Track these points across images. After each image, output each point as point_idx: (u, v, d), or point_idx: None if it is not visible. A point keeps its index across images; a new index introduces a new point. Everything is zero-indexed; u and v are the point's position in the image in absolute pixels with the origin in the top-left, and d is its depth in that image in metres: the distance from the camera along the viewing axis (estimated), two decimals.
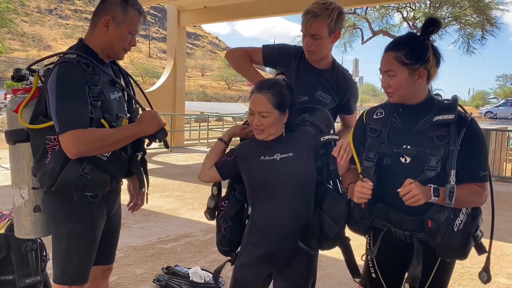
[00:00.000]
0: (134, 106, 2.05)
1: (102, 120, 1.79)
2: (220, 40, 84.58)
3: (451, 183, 1.57)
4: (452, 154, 1.59)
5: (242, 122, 2.09)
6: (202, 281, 3.18)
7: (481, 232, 1.71)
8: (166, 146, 2.01)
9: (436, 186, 1.58)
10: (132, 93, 2.06)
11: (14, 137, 1.85)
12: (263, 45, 2.33)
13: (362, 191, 1.64)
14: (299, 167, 1.78)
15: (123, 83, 2.03)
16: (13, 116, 1.85)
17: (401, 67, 1.67)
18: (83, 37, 1.91)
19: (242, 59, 2.32)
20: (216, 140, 1.98)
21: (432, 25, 1.67)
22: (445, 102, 1.73)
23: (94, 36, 1.87)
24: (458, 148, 1.60)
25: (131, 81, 2.08)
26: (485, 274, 1.76)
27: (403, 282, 1.79)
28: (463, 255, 1.69)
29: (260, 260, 1.83)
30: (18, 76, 1.90)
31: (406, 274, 1.81)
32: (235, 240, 1.91)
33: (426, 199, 1.57)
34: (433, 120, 1.67)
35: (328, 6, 2.03)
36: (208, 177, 1.91)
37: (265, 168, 1.79)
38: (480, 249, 1.72)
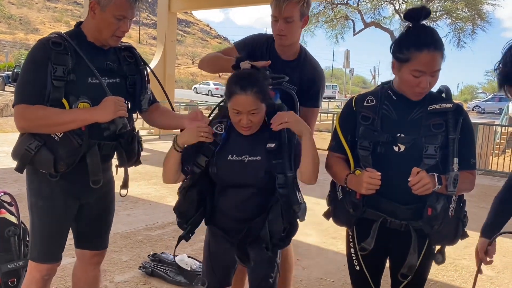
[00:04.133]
0: (143, 95, 2.01)
1: (64, 101, 1.75)
2: (211, 28, 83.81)
3: (455, 171, 1.57)
4: (453, 142, 1.60)
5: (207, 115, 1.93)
6: (189, 268, 3.16)
7: (467, 218, 1.75)
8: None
9: (439, 174, 1.59)
10: (146, 81, 2.03)
11: None
12: (234, 43, 2.34)
13: (371, 181, 1.60)
14: (265, 172, 1.74)
15: (126, 69, 1.96)
16: None
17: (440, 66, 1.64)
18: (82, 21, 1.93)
19: (214, 56, 2.32)
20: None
21: (422, 10, 1.65)
22: (436, 92, 1.74)
23: (86, 21, 1.87)
24: (459, 136, 1.61)
25: (148, 69, 2.06)
26: (440, 256, 1.78)
27: (401, 271, 1.78)
28: (455, 240, 1.73)
29: (228, 232, 1.83)
30: None
31: (388, 263, 1.85)
32: (188, 211, 1.84)
33: (433, 187, 1.57)
34: (429, 108, 1.66)
35: None
36: (174, 179, 1.84)
37: (232, 168, 1.76)
38: (463, 235, 1.75)
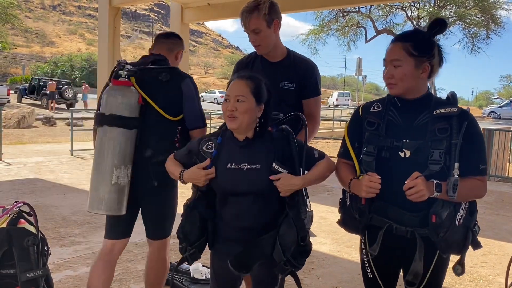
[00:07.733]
0: None
1: None
2: (223, 38, 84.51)
3: (455, 176, 1.57)
4: (455, 147, 1.59)
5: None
6: (203, 277, 3.18)
7: (478, 227, 1.73)
8: None
9: (439, 182, 1.58)
10: None
11: (133, 124, 2.25)
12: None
13: (371, 185, 1.62)
14: (265, 181, 1.73)
15: None
16: (132, 104, 2.23)
17: (408, 57, 1.66)
18: (163, 54, 2.48)
19: None
20: None
21: (439, 25, 1.69)
22: (444, 99, 1.74)
23: (169, 59, 2.51)
24: (461, 141, 1.60)
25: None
26: (459, 267, 1.74)
27: (405, 278, 1.78)
28: (463, 249, 1.69)
29: (233, 247, 1.80)
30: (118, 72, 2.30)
31: (401, 270, 1.82)
32: (192, 233, 1.83)
33: (429, 194, 1.56)
34: (434, 113, 1.66)
35: (259, 1, 2.20)
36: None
37: (231, 177, 1.75)
38: (476, 245, 1.72)
